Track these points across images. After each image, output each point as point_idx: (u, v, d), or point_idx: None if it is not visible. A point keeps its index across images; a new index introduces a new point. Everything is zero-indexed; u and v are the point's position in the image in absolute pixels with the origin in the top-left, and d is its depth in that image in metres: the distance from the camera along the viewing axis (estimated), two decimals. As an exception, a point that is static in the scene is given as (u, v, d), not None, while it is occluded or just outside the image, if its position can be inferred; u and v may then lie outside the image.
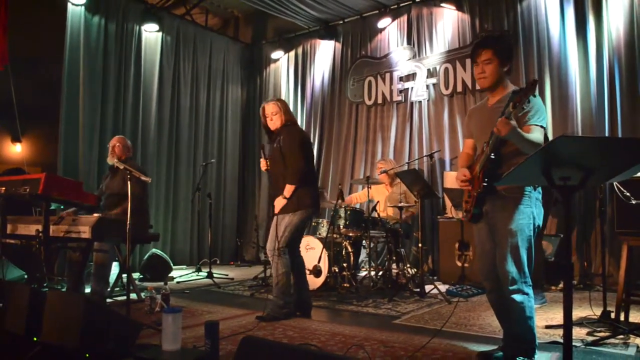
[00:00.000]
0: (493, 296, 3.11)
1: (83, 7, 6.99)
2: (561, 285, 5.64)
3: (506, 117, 2.64)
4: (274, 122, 4.35)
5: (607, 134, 5.88)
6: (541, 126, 2.84)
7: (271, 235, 4.27)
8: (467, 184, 3.07)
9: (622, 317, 3.89)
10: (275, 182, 4.35)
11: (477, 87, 6.92)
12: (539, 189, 2.96)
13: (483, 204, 3.01)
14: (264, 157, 4.37)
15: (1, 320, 3.50)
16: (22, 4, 6.74)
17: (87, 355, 2.72)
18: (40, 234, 4.25)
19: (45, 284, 4.41)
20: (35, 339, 3.00)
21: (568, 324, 1.98)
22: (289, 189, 4.19)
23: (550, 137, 6.14)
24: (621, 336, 3.54)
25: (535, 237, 2.95)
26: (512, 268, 2.86)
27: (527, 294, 2.88)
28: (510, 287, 2.87)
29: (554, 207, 6.08)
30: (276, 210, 4.25)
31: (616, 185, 3.78)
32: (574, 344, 2.11)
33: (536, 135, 2.77)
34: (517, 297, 2.87)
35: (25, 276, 5.24)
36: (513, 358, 2.94)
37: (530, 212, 2.89)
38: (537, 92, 2.71)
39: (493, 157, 2.85)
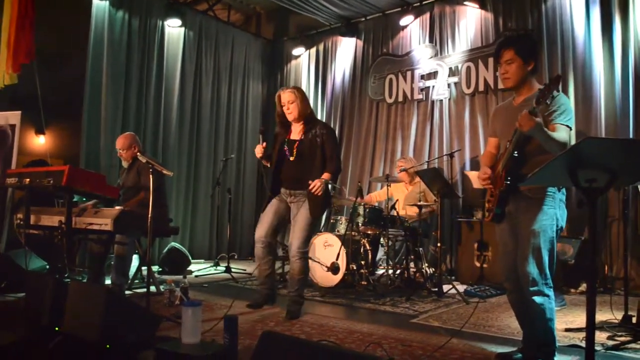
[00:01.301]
0: (514, 297, 3.08)
1: (107, 2, 7.06)
2: (581, 288, 5.58)
3: (530, 111, 2.61)
4: (291, 111, 4.22)
5: (631, 136, 5.80)
6: (567, 126, 2.80)
7: (298, 233, 4.14)
8: (489, 182, 3.03)
9: (643, 322, 3.83)
10: (298, 175, 4.16)
11: (500, 87, 6.86)
12: (563, 190, 2.93)
13: (506, 203, 2.97)
14: (261, 142, 4.26)
15: (24, 309, 3.56)
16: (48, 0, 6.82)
17: (108, 346, 2.75)
18: (63, 225, 4.31)
19: (66, 275, 4.47)
20: (57, 329, 3.04)
21: (591, 328, 1.96)
22: (329, 177, 4.12)
23: (574, 138, 6.08)
24: (643, 341, 3.49)
25: (557, 239, 2.92)
26: (533, 269, 2.83)
27: (547, 295, 2.85)
28: (531, 289, 2.84)
29: (579, 209, 6.02)
30: (318, 191, 4.01)
31: (640, 188, 3.73)
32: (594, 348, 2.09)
33: (561, 134, 2.73)
34: (538, 299, 2.84)
35: (47, 267, 5.32)
36: None
37: (554, 213, 2.86)
38: (560, 90, 2.69)
39: (516, 155, 2.82)
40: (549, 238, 2.85)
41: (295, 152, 4.21)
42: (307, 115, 4.28)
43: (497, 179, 2.98)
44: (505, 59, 2.95)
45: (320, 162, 4.17)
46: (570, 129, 2.84)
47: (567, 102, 2.89)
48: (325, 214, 4.31)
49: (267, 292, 4.27)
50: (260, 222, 4.31)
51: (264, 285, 4.29)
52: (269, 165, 4.41)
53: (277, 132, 4.45)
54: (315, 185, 4.01)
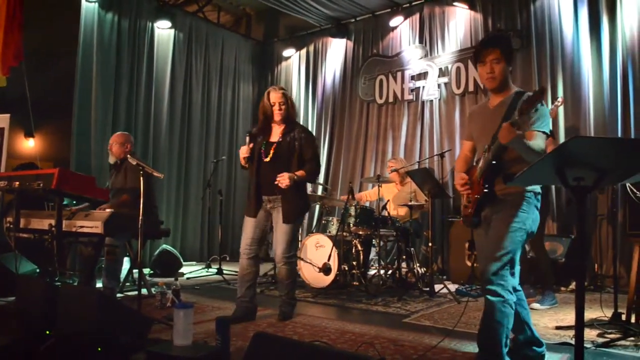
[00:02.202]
0: None
1: (97, 4, 7.03)
2: (572, 286, 5.61)
3: (512, 123, 2.57)
4: (282, 112, 4.18)
5: (619, 135, 5.84)
6: (544, 132, 2.77)
7: (280, 239, 4.11)
8: (467, 187, 2.97)
9: (633, 319, 3.86)
10: (273, 177, 4.04)
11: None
12: (539, 196, 2.88)
13: (482, 210, 2.93)
14: (248, 143, 4.14)
15: (15, 313, 3.54)
16: (38, 1, 6.79)
17: (100, 349, 2.75)
18: (53, 229, 4.29)
19: (57, 278, 4.45)
20: (48, 332, 3.03)
21: (580, 326, 1.97)
22: (303, 175, 4.09)
23: (562, 138, 6.12)
24: (632, 338, 3.52)
25: (525, 243, 2.88)
26: (492, 267, 2.73)
27: (502, 297, 2.70)
28: (487, 287, 2.74)
29: (567, 208, 6.07)
30: (285, 182, 3.96)
31: (629, 186, 3.76)
32: (584, 345, 2.11)
33: (537, 142, 2.69)
34: (491, 297, 2.73)
35: (38, 270, 5.29)
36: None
37: (526, 217, 2.80)
38: (549, 93, 2.69)
39: (494, 163, 2.79)
40: (516, 241, 2.76)
41: (271, 154, 4.13)
42: (291, 120, 4.25)
43: (474, 185, 2.94)
44: (492, 57, 2.88)
45: (296, 166, 4.11)
46: (547, 135, 2.80)
47: (544, 108, 2.85)
48: (305, 215, 4.25)
49: (246, 306, 4.14)
50: (243, 234, 4.24)
51: (244, 297, 4.15)
52: (247, 167, 4.27)
53: (254, 133, 4.29)
54: (283, 176, 3.96)
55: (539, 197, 2.89)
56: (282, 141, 4.16)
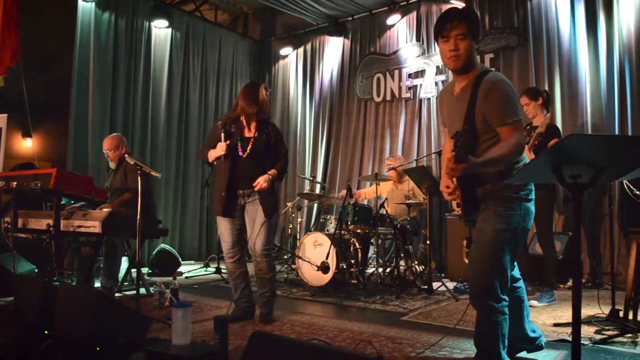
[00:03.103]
0: None
1: (93, 4, 7.02)
2: (570, 283, 5.63)
3: (455, 161, 2.38)
4: (257, 108, 4.09)
5: (617, 132, 5.85)
6: (515, 120, 2.51)
7: (256, 235, 4.04)
8: (453, 195, 2.73)
9: (630, 316, 3.87)
10: (250, 173, 4.02)
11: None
12: (528, 189, 2.67)
13: (470, 207, 2.72)
14: (224, 140, 4.00)
15: (14, 313, 3.55)
16: (34, 0, 6.77)
17: (98, 348, 2.75)
18: (51, 229, 4.29)
19: (55, 278, 4.44)
20: (46, 332, 3.03)
21: (577, 322, 1.98)
22: (276, 174, 4.06)
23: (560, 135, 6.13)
24: (629, 335, 3.53)
25: (521, 240, 2.70)
26: (481, 280, 2.60)
27: (492, 307, 2.58)
28: (477, 297, 2.65)
29: (564, 205, 6.07)
30: (263, 185, 3.94)
31: (626, 183, 3.77)
32: (582, 342, 2.11)
33: (509, 142, 2.47)
34: (482, 309, 2.63)
35: (36, 270, 5.29)
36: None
37: (511, 215, 2.60)
38: (503, 76, 2.51)
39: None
40: (499, 242, 2.58)
41: (249, 149, 4.05)
42: (263, 116, 4.15)
43: (456, 189, 2.72)
44: (457, 32, 2.56)
45: (270, 163, 4.10)
46: (519, 119, 2.53)
47: (507, 87, 2.55)
48: (278, 211, 4.24)
49: (244, 306, 4.13)
50: (221, 237, 4.19)
51: (242, 299, 4.15)
52: (213, 164, 4.17)
53: (228, 129, 4.10)
54: (259, 182, 3.95)
55: (528, 190, 2.66)
56: (258, 137, 4.08)
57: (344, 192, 6.08)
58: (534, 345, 3.00)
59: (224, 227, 4.13)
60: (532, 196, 2.70)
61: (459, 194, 2.68)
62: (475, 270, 2.63)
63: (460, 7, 7.17)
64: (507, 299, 2.63)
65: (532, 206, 2.69)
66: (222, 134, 4.01)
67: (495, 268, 2.58)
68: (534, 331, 3.01)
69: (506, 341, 2.65)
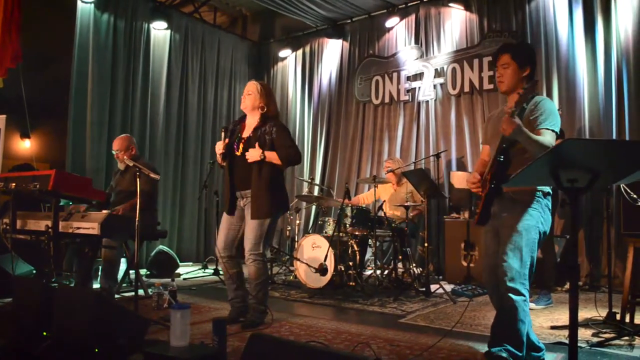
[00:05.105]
0: (494, 300, 3.05)
1: (92, 5, 7.04)
2: (567, 286, 5.63)
3: (510, 115, 2.65)
4: (245, 102, 4.09)
5: (614, 137, 5.88)
6: (553, 130, 2.81)
7: (249, 235, 3.96)
8: (478, 186, 3.01)
9: (627, 319, 3.89)
10: (244, 172, 3.99)
11: (485, 88, 6.97)
12: (549, 196, 2.93)
13: (491, 206, 2.94)
14: (223, 139, 4.03)
15: (12, 314, 3.54)
16: (33, 2, 6.77)
17: (97, 350, 2.75)
18: (50, 230, 4.29)
19: (53, 279, 4.44)
20: (45, 333, 3.03)
21: (574, 325, 1.99)
22: (272, 159, 3.92)
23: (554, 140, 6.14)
24: (626, 338, 3.54)
25: (540, 244, 2.92)
26: (513, 264, 2.80)
27: (523, 295, 2.80)
28: (508, 284, 2.79)
29: (561, 209, 6.08)
30: (253, 155, 3.89)
31: (623, 187, 3.78)
32: (579, 344, 2.13)
33: (546, 138, 2.73)
34: (513, 296, 2.78)
35: (34, 271, 5.29)
36: None
37: (538, 216, 2.86)
38: (544, 95, 2.71)
39: (501, 159, 2.82)
40: (531, 239, 2.83)
41: (242, 147, 4.01)
42: (263, 112, 4.07)
43: (485, 183, 2.97)
44: (501, 62, 3.00)
45: (271, 162, 3.96)
46: (556, 133, 2.84)
47: (552, 106, 2.91)
48: (279, 214, 4.16)
49: (239, 306, 4.10)
50: (218, 238, 4.17)
51: (236, 299, 4.11)
52: (224, 164, 4.16)
53: (230, 128, 4.21)
54: (250, 152, 3.89)
55: (549, 197, 2.93)
56: (252, 135, 4.04)
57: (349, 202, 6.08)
58: (539, 353, 3.01)
59: (222, 224, 4.14)
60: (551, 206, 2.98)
61: (486, 187, 2.91)
62: (508, 256, 2.82)
63: (459, 8, 7.27)
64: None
65: (551, 215, 3.01)
66: (223, 134, 4.06)
67: (529, 260, 2.84)
68: (538, 342, 3.03)
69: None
